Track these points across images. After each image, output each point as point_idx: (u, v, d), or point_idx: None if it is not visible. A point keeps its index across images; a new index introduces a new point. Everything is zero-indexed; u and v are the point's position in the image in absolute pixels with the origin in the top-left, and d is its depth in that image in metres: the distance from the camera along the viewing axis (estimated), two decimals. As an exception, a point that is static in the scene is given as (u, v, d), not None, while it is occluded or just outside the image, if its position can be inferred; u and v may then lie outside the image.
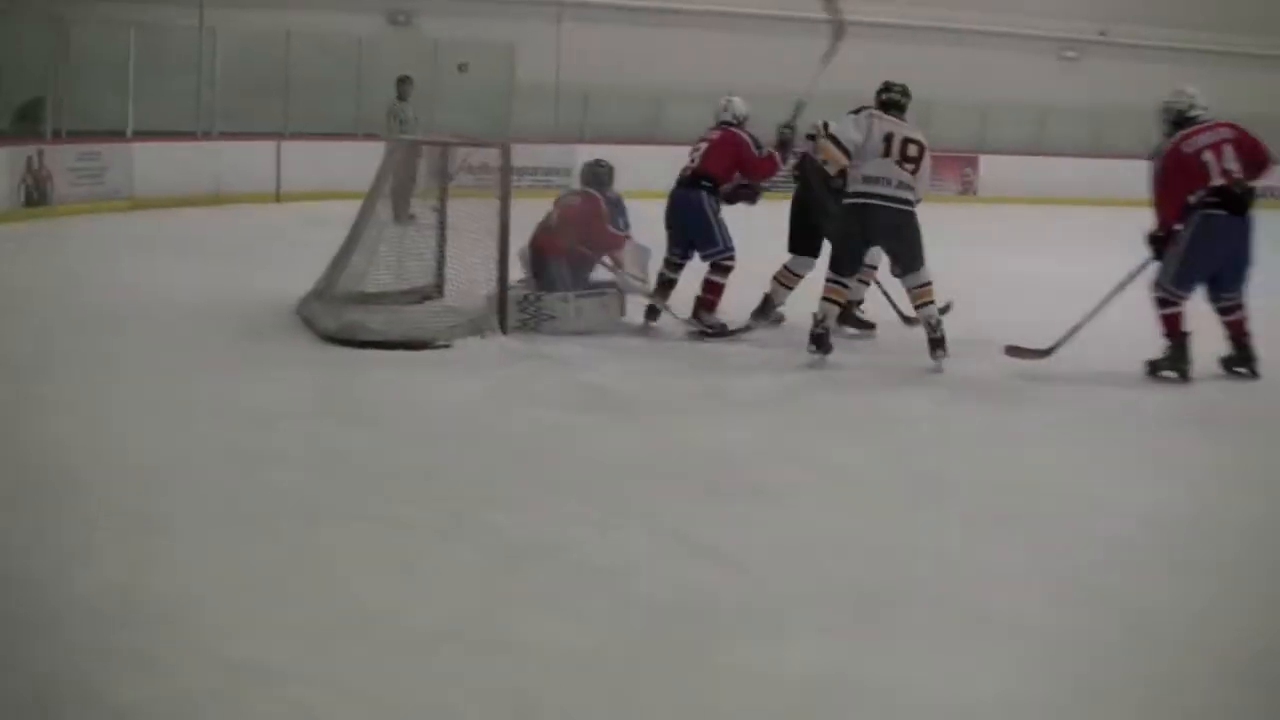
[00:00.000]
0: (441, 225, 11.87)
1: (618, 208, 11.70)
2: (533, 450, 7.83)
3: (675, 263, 11.72)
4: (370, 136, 21.14)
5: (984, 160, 28.94)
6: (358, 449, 7.64)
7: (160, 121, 21.38)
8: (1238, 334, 10.28)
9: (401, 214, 12.30)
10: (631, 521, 6.54)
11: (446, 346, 10.27)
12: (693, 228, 11.53)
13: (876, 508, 6.99)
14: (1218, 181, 9.92)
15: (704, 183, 11.49)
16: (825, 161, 10.80)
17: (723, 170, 11.60)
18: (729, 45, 27.28)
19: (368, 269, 11.23)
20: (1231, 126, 10.18)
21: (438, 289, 11.85)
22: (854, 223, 10.39)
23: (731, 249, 11.43)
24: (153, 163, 20.16)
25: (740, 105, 11.79)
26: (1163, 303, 10.14)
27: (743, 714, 4.56)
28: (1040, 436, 8.72)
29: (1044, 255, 18.07)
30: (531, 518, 6.52)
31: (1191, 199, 9.98)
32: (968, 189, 28.48)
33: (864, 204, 10.25)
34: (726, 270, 11.44)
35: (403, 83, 19.70)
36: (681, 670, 4.86)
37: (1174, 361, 10.16)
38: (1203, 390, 10.03)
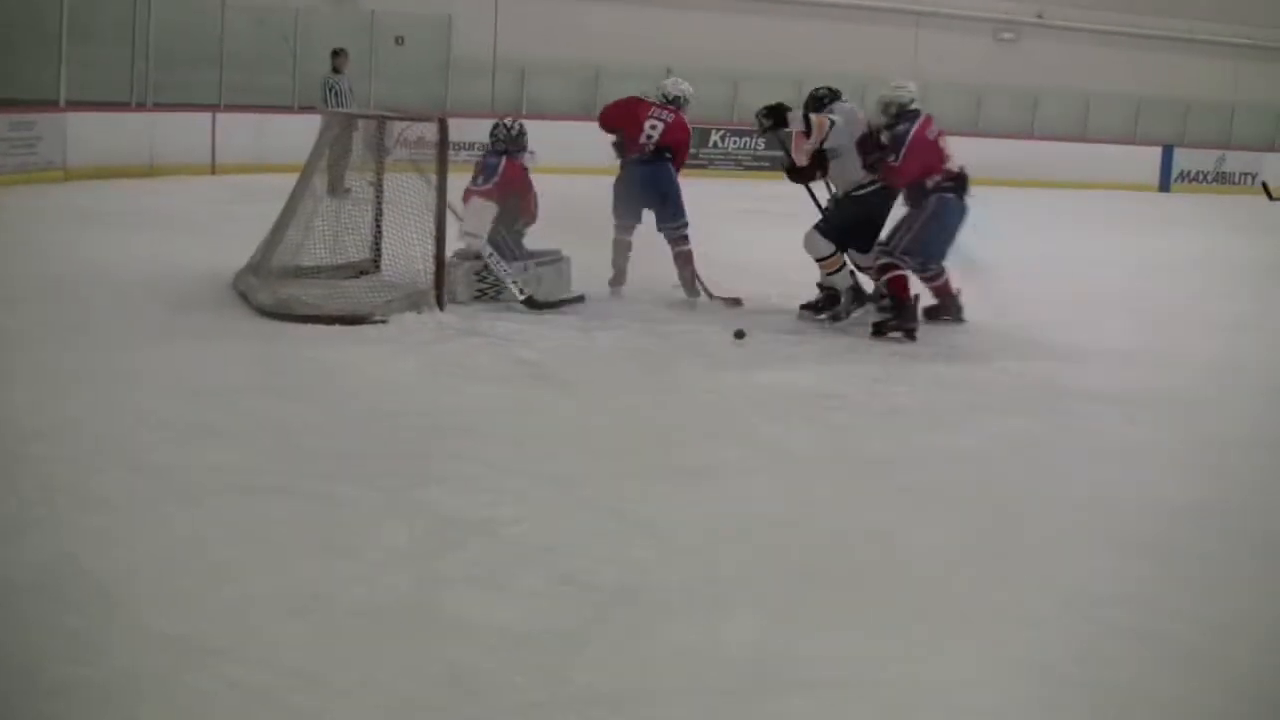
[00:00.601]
0: (378, 200, 11.80)
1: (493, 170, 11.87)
2: (469, 426, 7.81)
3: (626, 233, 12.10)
4: (306, 109, 21.09)
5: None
6: (293, 424, 7.60)
7: (94, 91, 21.21)
8: (943, 293, 11.63)
9: (337, 187, 12.25)
10: (568, 499, 6.55)
11: (383, 322, 10.24)
12: (662, 199, 11.96)
13: (817, 487, 7.00)
14: (953, 167, 11.17)
15: (666, 155, 11.92)
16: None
17: (678, 146, 12.07)
18: (666, 21, 27.29)
19: (304, 243, 11.18)
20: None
21: (374, 264, 11.80)
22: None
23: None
24: (87, 133, 20.00)
25: (688, 88, 12.00)
26: (889, 268, 11.01)
27: (681, 693, 4.56)
28: (972, 416, 8.78)
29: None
30: (467, 495, 6.49)
31: (929, 182, 11.02)
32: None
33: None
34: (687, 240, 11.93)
35: (337, 55, 19.62)
36: (619, 649, 4.87)
37: (901, 321, 10.94)
38: (1116, 370, 10.25)
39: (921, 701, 4.58)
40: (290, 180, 12.12)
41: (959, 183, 11.11)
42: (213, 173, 21.69)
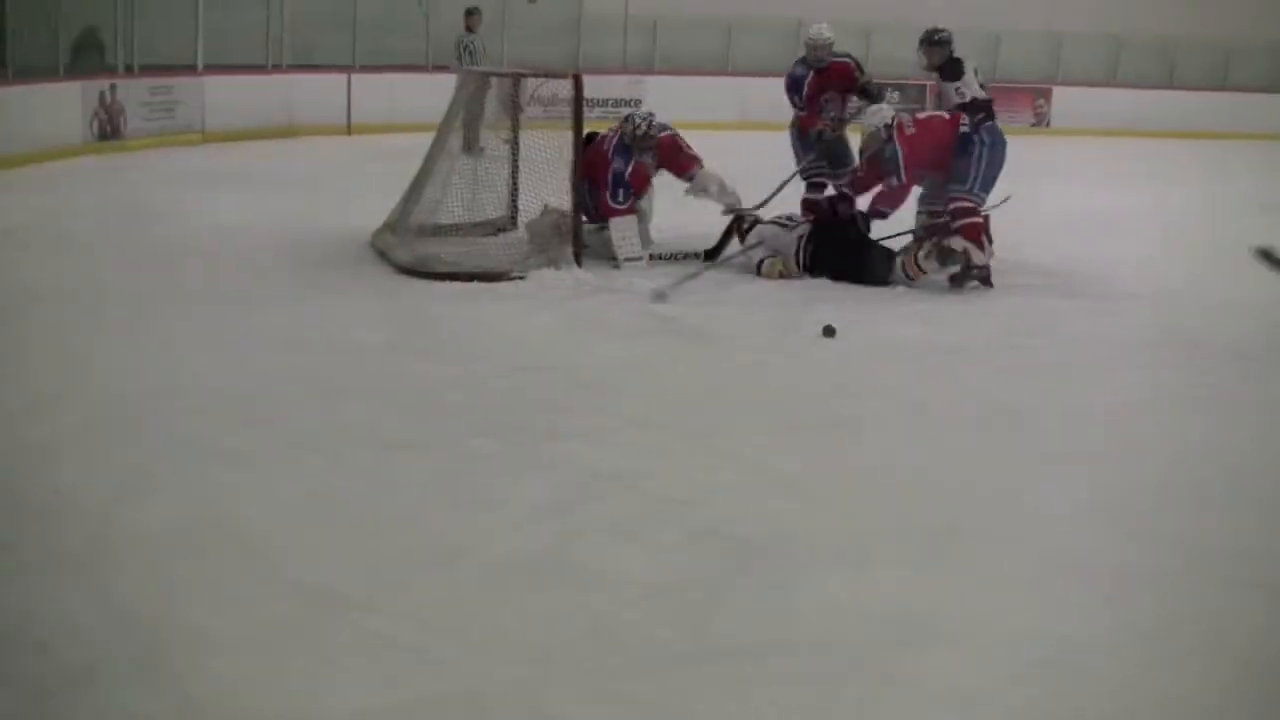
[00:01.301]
0: (514, 157, 11.79)
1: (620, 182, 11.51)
2: (607, 381, 7.81)
3: None
4: (439, 69, 21.12)
5: (1057, 91, 28.64)
6: (430, 380, 7.63)
7: (230, 55, 21.40)
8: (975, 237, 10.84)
9: (473, 146, 12.26)
10: (708, 453, 6.52)
11: (521, 278, 10.24)
12: None
13: (951, 442, 6.93)
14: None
15: None
16: None
17: None
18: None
19: (441, 201, 11.21)
20: None
21: (511, 221, 11.80)
22: None
23: None
24: (223, 96, 20.23)
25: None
26: (965, 213, 10.68)
27: (821, 645, 4.52)
28: (1100, 370, 8.67)
29: (1109, 189, 17.89)
30: (606, 448, 6.50)
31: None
32: (1040, 121, 28.20)
33: None
34: None
35: (471, 14, 19.62)
36: (759, 601, 4.83)
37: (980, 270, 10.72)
38: (1247, 324, 9.98)
39: (1055, 658, 4.51)
40: (424, 140, 12.14)
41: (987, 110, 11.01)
42: (348, 133, 21.82)
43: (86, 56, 19.47)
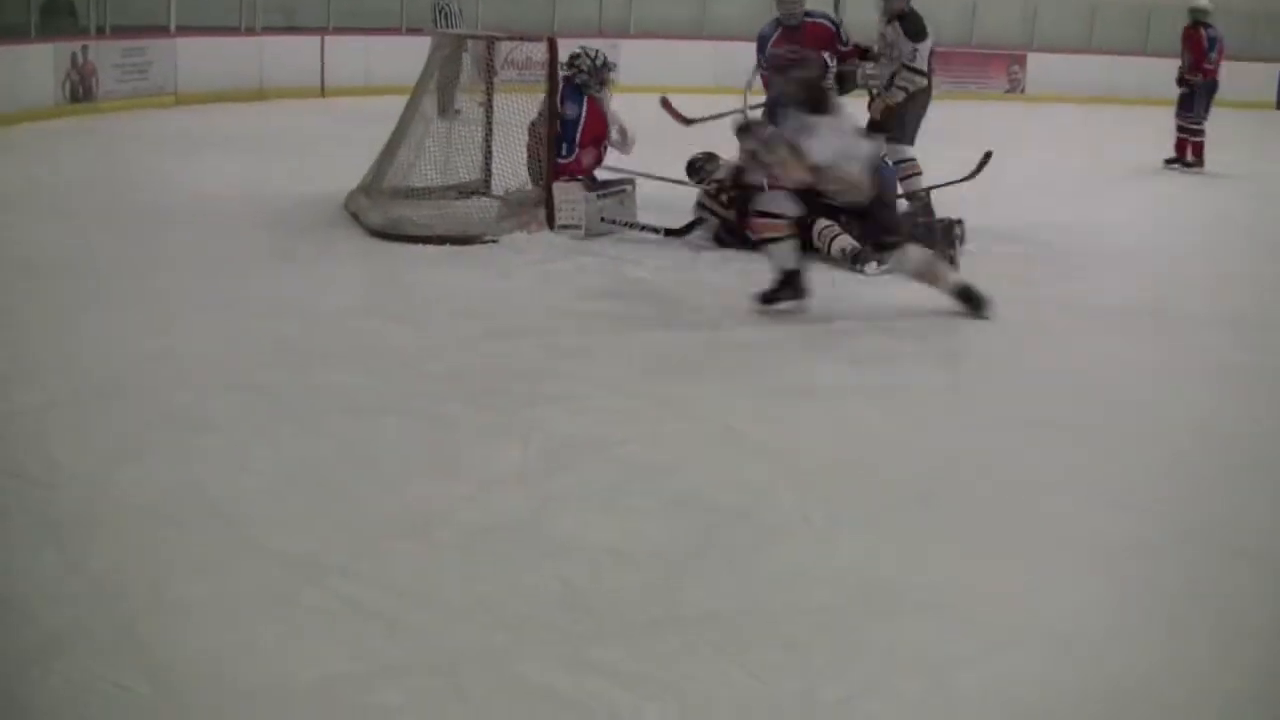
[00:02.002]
0: (488, 120, 11.78)
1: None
2: (580, 346, 7.82)
3: None
4: (414, 31, 21.06)
5: (1032, 58, 28.61)
6: (404, 345, 7.66)
7: (203, 16, 21.33)
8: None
9: (447, 109, 12.25)
10: (680, 419, 6.54)
11: (494, 241, 10.26)
12: None
13: (927, 410, 6.96)
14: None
15: None
16: None
17: None
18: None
19: (415, 164, 11.24)
20: None
21: (485, 184, 11.79)
22: None
23: None
24: (197, 58, 20.18)
25: None
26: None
27: (792, 612, 4.55)
28: (1078, 335, 8.70)
29: (1081, 155, 17.94)
30: (579, 415, 6.51)
31: None
32: (1015, 87, 28.20)
33: None
34: None
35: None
36: (731, 568, 4.85)
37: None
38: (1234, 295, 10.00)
39: (1030, 626, 4.55)
40: (399, 102, 12.14)
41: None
42: (322, 96, 21.77)
43: (56, 18, 19.40)
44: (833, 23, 11.90)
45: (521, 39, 12.19)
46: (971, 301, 8.68)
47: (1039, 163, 16.53)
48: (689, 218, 10.88)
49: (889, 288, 9.30)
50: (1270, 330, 9.04)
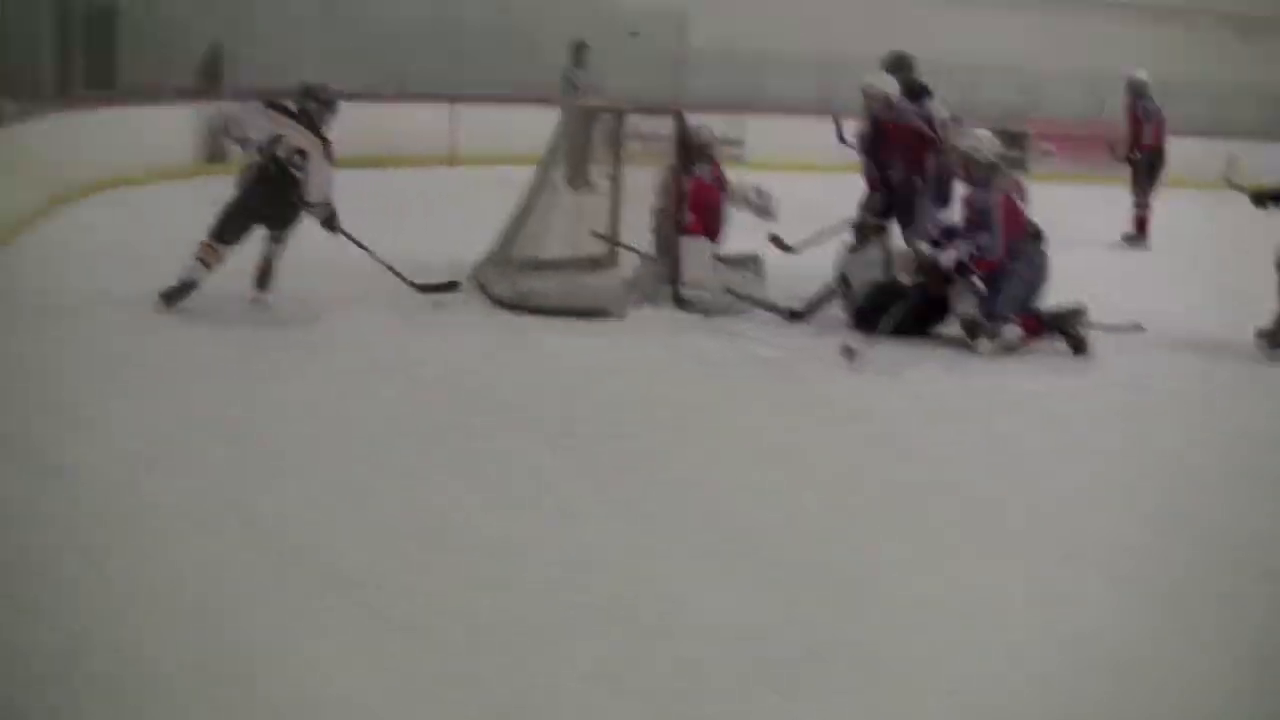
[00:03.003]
0: (615, 193, 11.84)
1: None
2: (703, 422, 7.89)
3: None
4: (543, 101, 21.25)
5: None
6: (531, 412, 7.79)
7: (337, 80, 21.56)
8: None
9: (577, 181, 12.31)
10: (794, 486, 6.66)
11: (619, 316, 10.35)
12: None
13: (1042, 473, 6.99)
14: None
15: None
16: None
17: None
18: (901, 13, 27.05)
19: (542, 235, 11.31)
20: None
21: (611, 257, 11.85)
22: None
23: None
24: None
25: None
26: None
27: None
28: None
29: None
30: (700, 487, 6.61)
31: None
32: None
33: None
34: None
35: (579, 49, 19.72)
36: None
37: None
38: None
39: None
40: (526, 172, 12.23)
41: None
42: (451, 163, 21.95)
43: (211, 76, 19.87)
44: (921, 115, 11.51)
45: (648, 111, 12.20)
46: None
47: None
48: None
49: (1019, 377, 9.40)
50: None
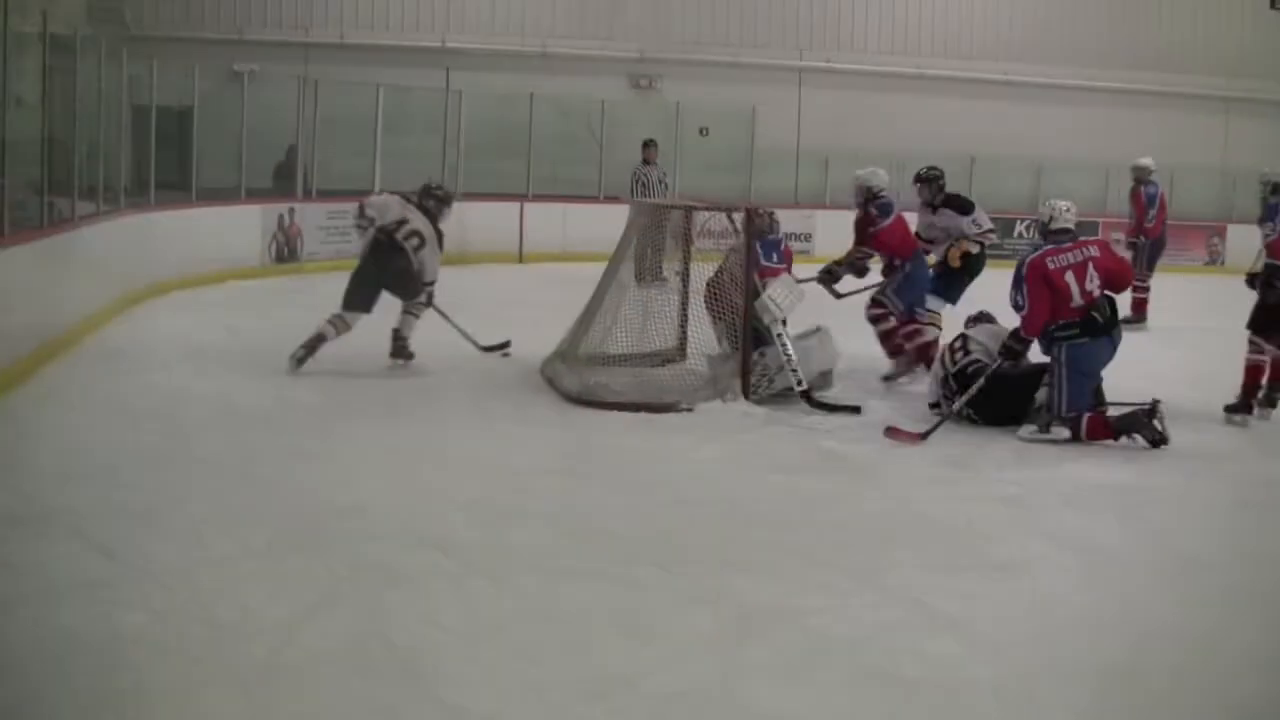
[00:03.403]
0: (684, 288, 11.85)
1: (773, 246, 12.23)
2: (773, 515, 7.78)
3: None
4: (611, 199, 21.37)
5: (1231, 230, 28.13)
6: (599, 509, 7.70)
7: (406, 181, 21.69)
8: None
9: (646, 277, 12.35)
10: (872, 591, 6.46)
11: (689, 410, 10.31)
12: None
13: (1123, 584, 6.80)
14: (1078, 303, 9.81)
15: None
16: None
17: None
18: (968, 110, 27.12)
19: (610, 331, 11.34)
20: (1099, 244, 10.23)
21: (680, 351, 11.84)
22: None
23: None
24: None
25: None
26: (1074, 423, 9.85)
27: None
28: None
29: None
30: (770, 583, 6.47)
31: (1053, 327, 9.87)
32: (1214, 259, 27.74)
33: None
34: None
35: (647, 146, 19.87)
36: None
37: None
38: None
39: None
40: (594, 269, 12.29)
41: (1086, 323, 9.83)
42: (520, 261, 22.08)
43: (287, 179, 20.38)
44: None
45: (719, 208, 12.21)
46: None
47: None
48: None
49: (1079, 461, 9.24)
50: None
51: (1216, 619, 6.28)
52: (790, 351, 10.74)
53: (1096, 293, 9.80)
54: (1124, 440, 9.73)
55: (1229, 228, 27.62)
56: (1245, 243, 26.92)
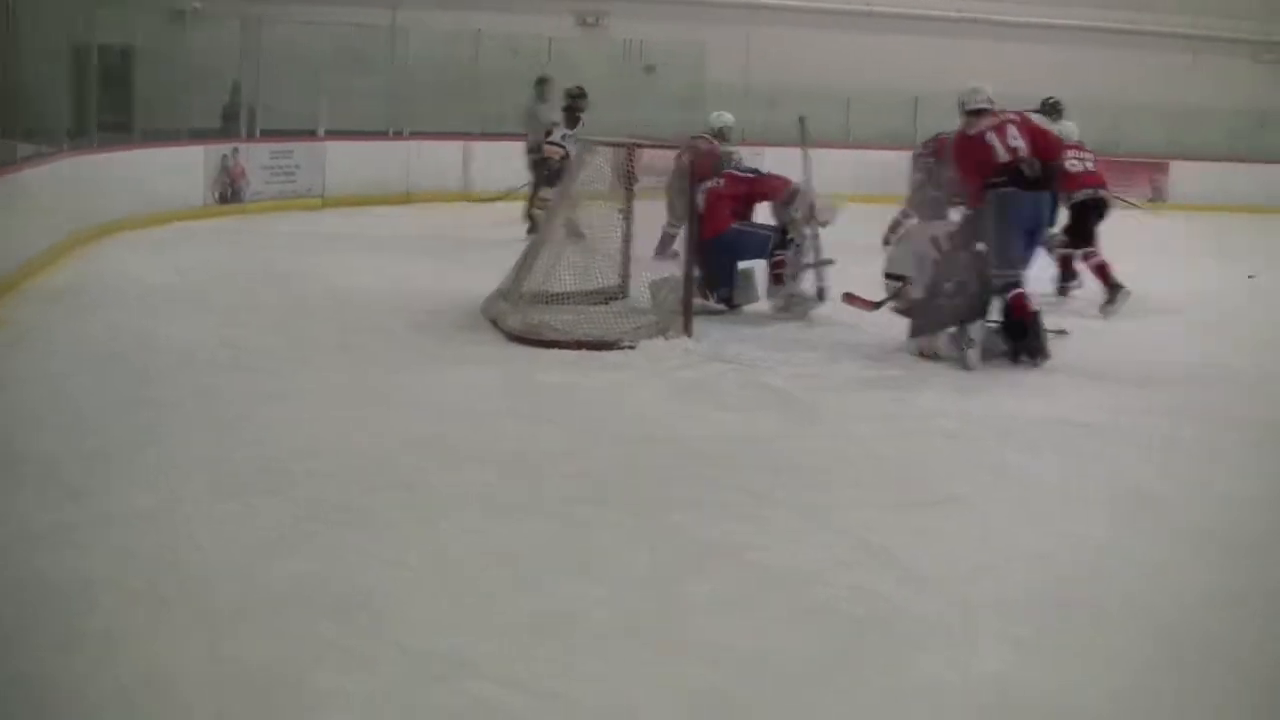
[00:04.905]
0: (627, 227, 11.88)
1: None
2: (715, 453, 7.80)
3: None
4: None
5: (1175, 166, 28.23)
6: (541, 447, 7.73)
7: (352, 121, 21.70)
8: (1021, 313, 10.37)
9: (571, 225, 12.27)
10: (814, 527, 6.51)
11: (631, 348, 10.32)
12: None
13: (1064, 518, 6.85)
14: (1003, 159, 10.39)
15: None
16: None
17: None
18: (916, 48, 27.06)
19: (553, 269, 11.34)
20: (1018, 114, 10.86)
21: (621, 290, 11.87)
22: None
23: None
24: (344, 161, 20.54)
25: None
26: (1006, 288, 10.29)
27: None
28: (1226, 447, 8.51)
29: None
30: (713, 520, 6.51)
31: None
32: (1157, 195, 27.77)
33: None
34: None
35: (542, 83, 19.01)
36: (865, 678, 4.83)
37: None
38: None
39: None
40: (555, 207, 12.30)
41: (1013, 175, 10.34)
42: (466, 199, 21.99)
43: (234, 120, 20.30)
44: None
45: (661, 145, 12.21)
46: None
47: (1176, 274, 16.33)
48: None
49: (1019, 397, 9.34)
50: None
51: (1159, 552, 6.34)
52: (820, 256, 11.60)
53: (1023, 150, 10.35)
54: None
55: (1172, 164, 27.72)
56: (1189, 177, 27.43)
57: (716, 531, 6.35)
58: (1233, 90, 28.64)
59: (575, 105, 17.29)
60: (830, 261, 11.85)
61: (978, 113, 10.66)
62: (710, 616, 5.32)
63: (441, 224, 18.95)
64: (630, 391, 9.25)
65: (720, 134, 14.52)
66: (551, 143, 16.39)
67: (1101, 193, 13.60)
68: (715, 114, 14.83)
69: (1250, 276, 14.83)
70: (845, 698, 4.67)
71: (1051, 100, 15.21)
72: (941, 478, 7.53)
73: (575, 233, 12.08)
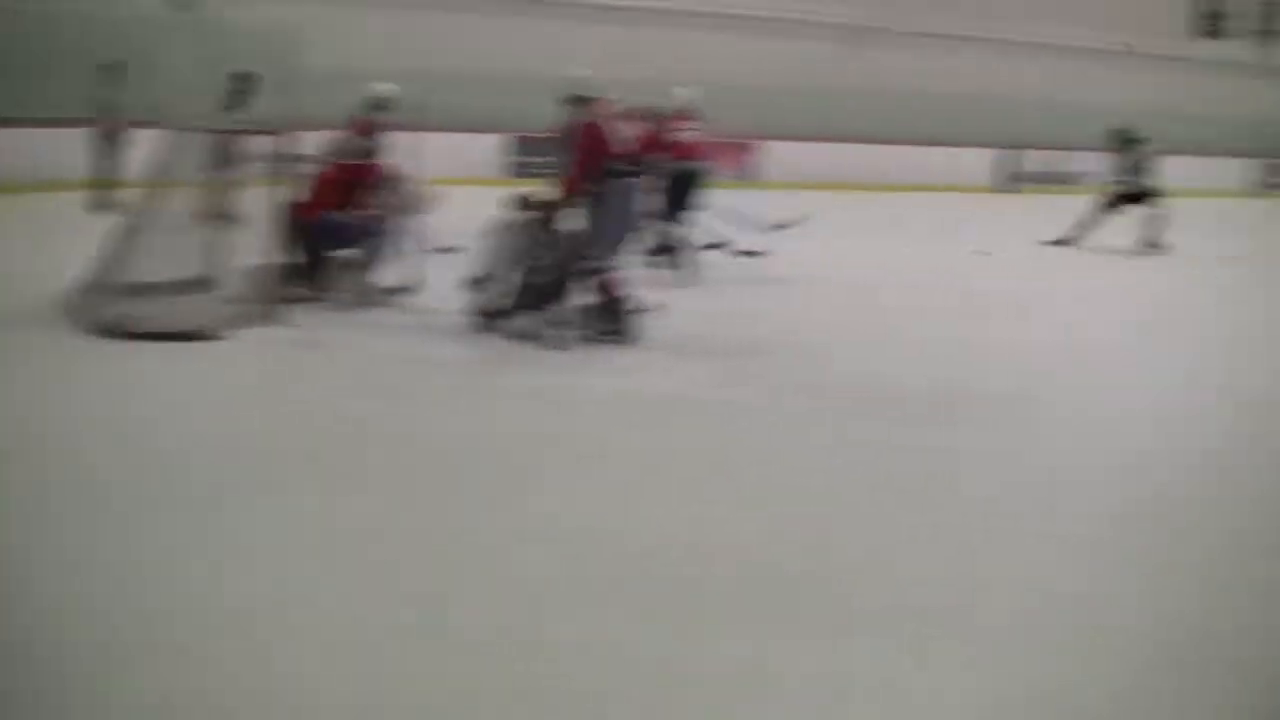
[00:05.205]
0: (220, 214, 11.67)
1: None
2: (314, 444, 7.84)
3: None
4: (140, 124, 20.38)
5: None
6: (91, 446, 7.51)
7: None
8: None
9: (132, 205, 11.97)
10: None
11: (220, 337, 10.14)
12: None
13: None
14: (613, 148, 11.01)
15: None
16: None
17: None
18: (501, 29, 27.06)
19: (139, 259, 10.95)
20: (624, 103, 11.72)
21: (215, 279, 11.56)
22: None
23: None
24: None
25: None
26: (598, 270, 10.76)
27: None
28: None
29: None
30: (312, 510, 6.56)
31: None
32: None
33: None
34: None
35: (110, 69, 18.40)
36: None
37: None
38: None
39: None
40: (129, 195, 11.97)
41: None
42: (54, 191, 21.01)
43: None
44: None
45: (255, 132, 12.01)
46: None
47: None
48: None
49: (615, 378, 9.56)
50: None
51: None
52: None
53: (627, 139, 11.29)
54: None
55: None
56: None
57: (315, 525, 6.37)
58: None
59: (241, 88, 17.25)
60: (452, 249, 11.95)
61: (583, 100, 11.01)
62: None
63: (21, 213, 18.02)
64: (216, 381, 9.26)
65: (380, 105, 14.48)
66: None
67: (699, 165, 14.21)
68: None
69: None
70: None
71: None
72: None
73: (218, 217, 11.80)
